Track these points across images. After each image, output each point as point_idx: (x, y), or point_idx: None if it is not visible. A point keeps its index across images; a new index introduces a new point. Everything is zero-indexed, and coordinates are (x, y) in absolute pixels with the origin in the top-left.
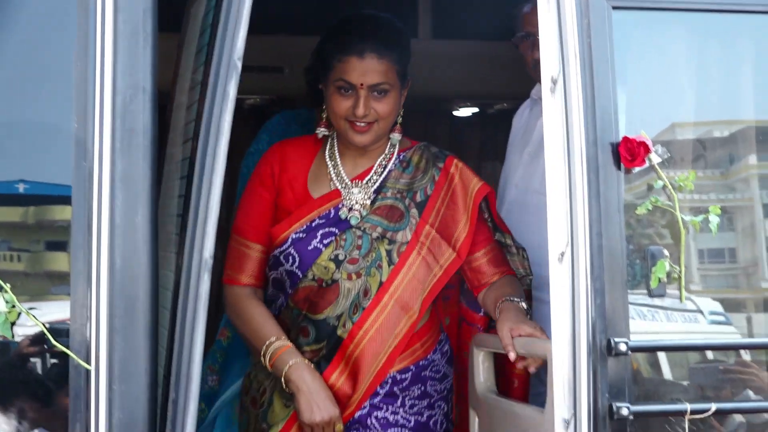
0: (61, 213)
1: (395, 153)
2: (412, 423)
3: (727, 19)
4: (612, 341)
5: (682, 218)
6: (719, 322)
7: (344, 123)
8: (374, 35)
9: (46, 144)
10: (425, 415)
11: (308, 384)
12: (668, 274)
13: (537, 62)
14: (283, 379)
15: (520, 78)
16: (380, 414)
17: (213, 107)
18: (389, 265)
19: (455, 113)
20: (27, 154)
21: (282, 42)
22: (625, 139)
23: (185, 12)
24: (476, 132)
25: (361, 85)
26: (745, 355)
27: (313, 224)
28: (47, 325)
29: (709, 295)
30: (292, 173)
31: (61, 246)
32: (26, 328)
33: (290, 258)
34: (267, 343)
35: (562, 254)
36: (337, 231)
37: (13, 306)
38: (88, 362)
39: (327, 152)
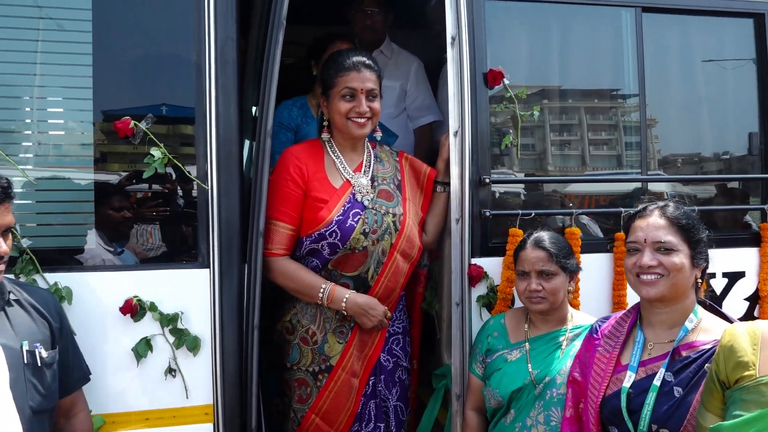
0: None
1: (371, 151)
2: (401, 328)
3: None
4: (481, 177)
5: (519, 113)
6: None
7: (347, 121)
8: (366, 57)
9: (177, 70)
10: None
11: (362, 303)
12: (511, 142)
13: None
14: (344, 304)
15: None
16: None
17: (272, 36)
18: (395, 231)
19: None
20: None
21: None
22: (491, 70)
23: None
24: None
25: (361, 90)
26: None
27: (346, 207)
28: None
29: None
30: (314, 170)
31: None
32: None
33: (334, 234)
34: (322, 287)
35: (456, 132)
36: (360, 211)
37: (164, 155)
38: (206, 185)
39: (331, 152)
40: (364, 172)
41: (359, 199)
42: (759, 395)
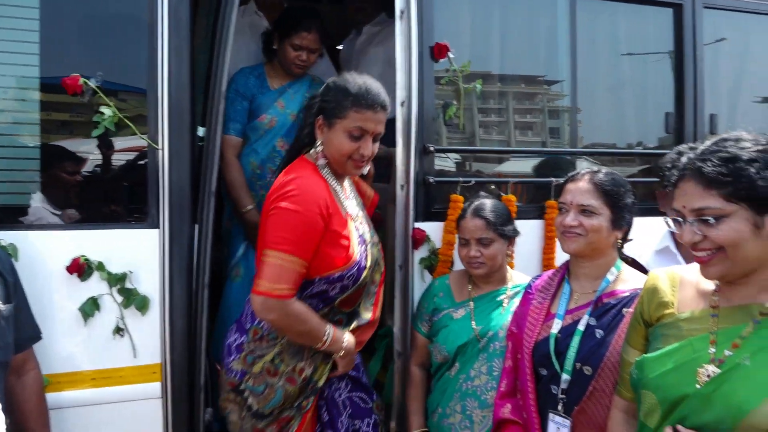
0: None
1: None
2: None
3: None
4: (426, 146)
5: (462, 86)
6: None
7: (347, 160)
8: (382, 93)
9: (126, 28)
10: None
11: (352, 349)
12: (454, 113)
13: None
14: (342, 349)
15: None
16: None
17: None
18: (381, 260)
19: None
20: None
21: None
22: (437, 43)
23: None
24: None
25: (372, 132)
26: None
27: (358, 243)
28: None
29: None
30: (329, 200)
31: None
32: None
33: (352, 277)
34: (327, 332)
35: (403, 102)
36: (366, 246)
37: (115, 113)
38: (158, 145)
39: (330, 180)
40: (350, 197)
41: (361, 232)
42: (677, 330)
